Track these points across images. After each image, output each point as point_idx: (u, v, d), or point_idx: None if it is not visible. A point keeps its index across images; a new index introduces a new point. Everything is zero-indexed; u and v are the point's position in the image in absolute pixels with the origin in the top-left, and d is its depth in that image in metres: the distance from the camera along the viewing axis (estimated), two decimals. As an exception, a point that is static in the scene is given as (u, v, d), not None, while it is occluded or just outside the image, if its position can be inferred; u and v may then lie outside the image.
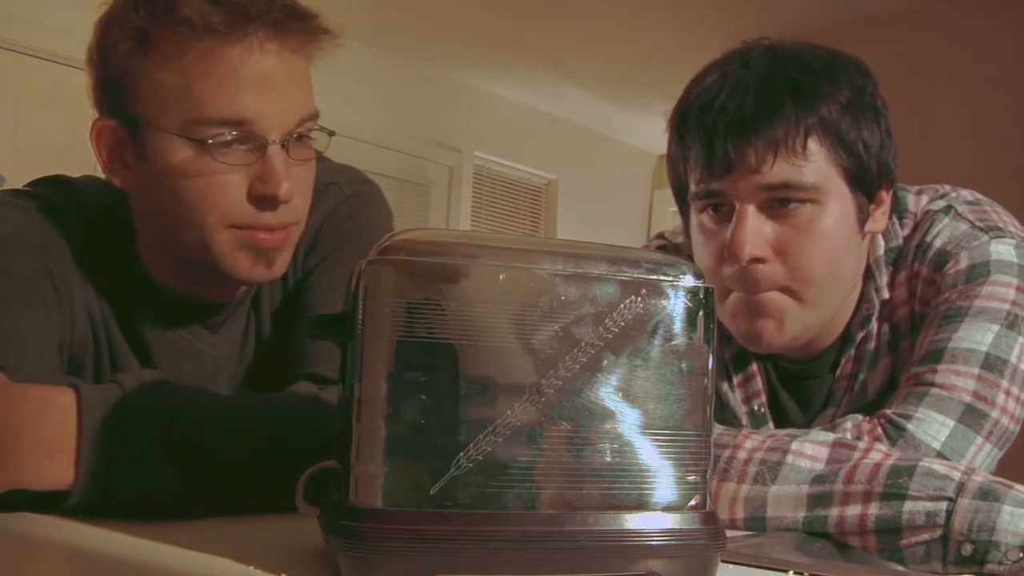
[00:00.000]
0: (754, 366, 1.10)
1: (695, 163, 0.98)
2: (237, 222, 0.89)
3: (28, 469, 0.71)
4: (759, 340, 1.00)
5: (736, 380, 1.10)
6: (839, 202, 0.96)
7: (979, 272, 0.97)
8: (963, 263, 0.98)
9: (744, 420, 1.09)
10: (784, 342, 1.00)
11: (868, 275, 1.04)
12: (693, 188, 0.99)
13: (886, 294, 1.04)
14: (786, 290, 0.97)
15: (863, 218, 0.99)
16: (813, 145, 0.94)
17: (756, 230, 0.95)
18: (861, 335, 1.04)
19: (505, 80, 4.56)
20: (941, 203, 1.04)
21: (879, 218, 1.01)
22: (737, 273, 0.97)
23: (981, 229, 1.00)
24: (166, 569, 0.58)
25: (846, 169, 0.96)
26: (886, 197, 1.01)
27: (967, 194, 1.06)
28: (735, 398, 1.10)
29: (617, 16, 3.78)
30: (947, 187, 1.08)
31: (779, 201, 0.95)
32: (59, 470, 0.71)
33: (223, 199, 0.88)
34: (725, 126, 0.94)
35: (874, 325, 1.04)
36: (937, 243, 1.01)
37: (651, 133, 5.16)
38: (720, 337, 1.09)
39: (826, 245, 0.96)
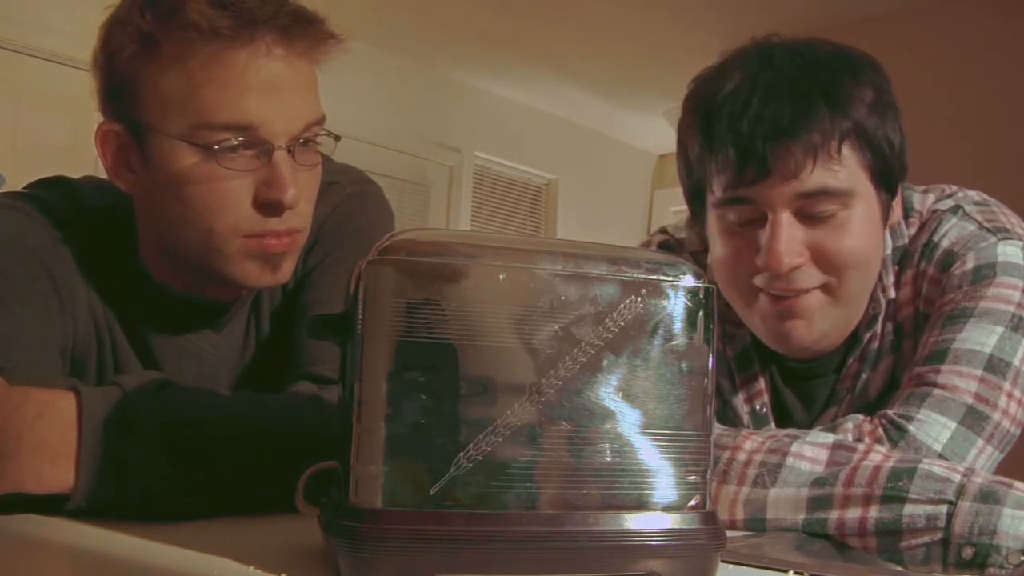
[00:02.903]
0: (757, 366, 1.10)
1: (725, 168, 0.96)
2: (245, 231, 0.89)
3: (29, 473, 0.71)
4: (788, 340, 1.00)
5: (739, 380, 1.10)
6: (866, 202, 0.96)
7: (985, 273, 0.97)
8: (970, 264, 0.98)
9: (746, 420, 1.09)
10: (813, 340, 1.00)
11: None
12: (720, 194, 0.97)
13: (892, 293, 1.03)
14: (824, 287, 0.97)
15: (887, 215, 1.00)
16: (847, 150, 0.94)
17: (791, 238, 0.94)
18: (868, 335, 1.04)
19: (505, 80, 4.56)
20: (948, 203, 1.04)
21: (895, 209, 1.02)
22: (777, 280, 0.96)
23: (989, 230, 1.00)
24: (166, 569, 0.58)
25: (873, 169, 0.96)
26: (899, 190, 1.02)
27: (974, 194, 1.06)
28: (738, 398, 1.09)
29: (618, 16, 3.78)
30: (954, 187, 1.07)
31: (811, 207, 0.94)
32: (60, 474, 0.71)
33: (229, 205, 0.88)
34: (763, 134, 0.92)
35: (879, 324, 1.04)
36: (944, 243, 1.01)
37: (651, 133, 5.16)
38: (723, 336, 1.09)
39: (858, 243, 0.96)
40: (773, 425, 1.07)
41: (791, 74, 0.94)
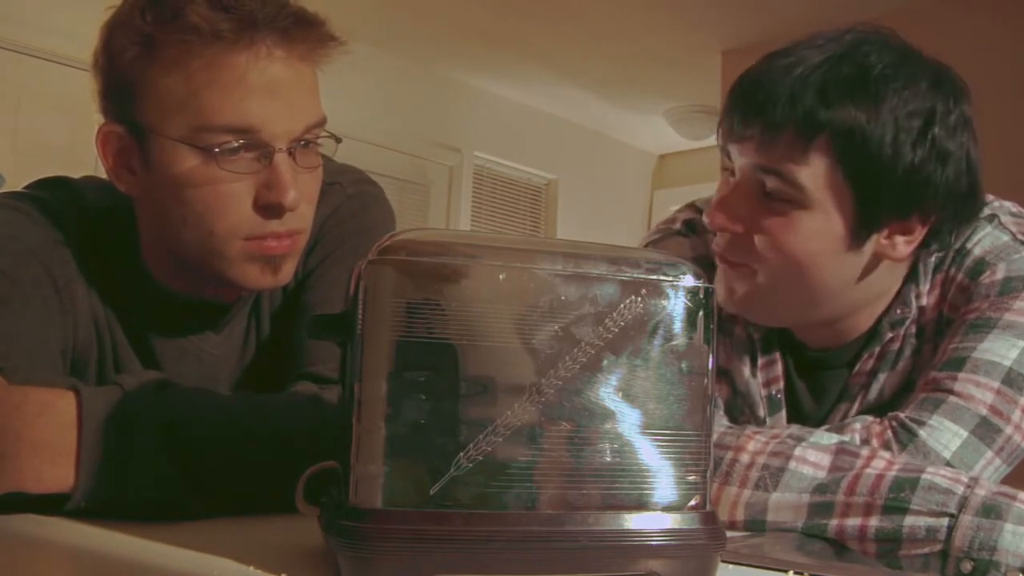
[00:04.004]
0: (777, 351, 1.09)
1: (723, 120, 0.98)
2: (246, 234, 0.89)
3: (28, 472, 0.71)
4: (721, 299, 1.01)
5: (760, 363, 1.08)
6: (824, 216, 0.92)
7: (1014, 286, 0.95)
8: (999, 274, 0.96)
9: (762, 405, 1.07)
10: (736, 309, 1.01)
11: (912, 277, 1.01)
12: (720, 141, 0.99)
13: (925, 300, 1.01)
14: (747, 267, 0.97)
15: (858, 243, 0.94)
16: (816, 152, 0.90)
17: (735, 203, 0.95)
18: (890, 335, 1.02)
19: (505, 80, 4.56)
20: (984, 211, 1.02)
21: (900, 246, 0.95)
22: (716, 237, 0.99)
23: (1023, 242, 0.98)
24: (166, 569, 0.58)
25: (851, 187, 0.91)
26: (919, 228, 0.94)
27: (1011, 205, 1.04)
28: (756, 382, 1.08)
29: (617, 16, 3.78)
30: (990, 196, 1.04)
31: (767, 185, 0.93)
32: (60, 473, 0.71)
33: (229, 208, 0.88)
34: (747, 97, 0.93)
35: (904, 327, 1.02)
36: (976, 251, 0.99)
37: (651, 133, 5.17)
38: (748, 320, 1.09)
39: (794, 249, 0.93)
40: (785, 413, 1.07)
41: (820, 59, 0.92)
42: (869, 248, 0.95)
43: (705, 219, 0.99)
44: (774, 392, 1.07)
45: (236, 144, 0.86)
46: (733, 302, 1.00)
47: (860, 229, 0.93)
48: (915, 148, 0.90)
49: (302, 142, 0.90)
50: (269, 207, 0.89)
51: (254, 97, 0.86)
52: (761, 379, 1.08)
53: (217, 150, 0.86)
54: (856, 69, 0.91)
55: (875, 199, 0.92)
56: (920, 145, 0.90)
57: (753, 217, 0.95)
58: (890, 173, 0.90)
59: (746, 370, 1.07)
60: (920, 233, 0.95)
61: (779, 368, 1.08)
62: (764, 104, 0.91)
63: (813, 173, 0.91)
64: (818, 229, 0.93)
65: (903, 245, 0.96)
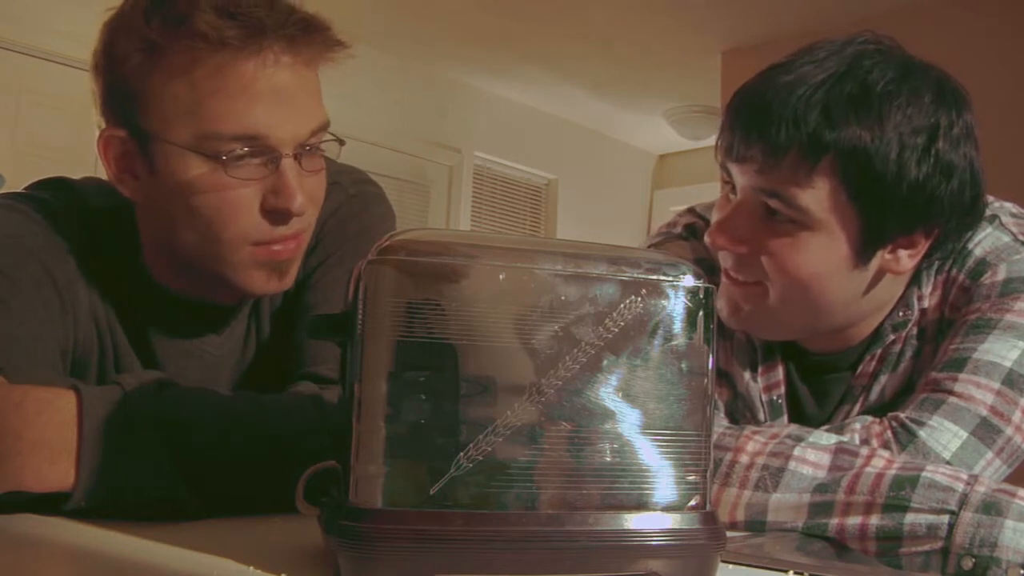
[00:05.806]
0: (779, 356, 1.08)
1: (722, 137, 0.96)
2: (254, 239, 0.89)
3: (29, 471, 0.71)
4: (724, 316, 1.01)
5: (761, 368, 1.08)
6: (829, 237, 0.91)
7: (1015, 287, 0.95)
8: (1000, 275, 0.96)
9: (762, 410, 1.08)
10: (741, 327, 1.01)
11: (914, 280, 1.01)
12: (719, 157, 0.98)
13: (927, 303, 1.01)
14: (759, 286, 0.96)
15: (863, 261, 0.93)
16: (821, 174, 0.89)
17: (737, 225, 0.94)
18: (892, 337, 1.02)
19: (505, 80, 4.56)
20: (985, 211, 1.01)
21: (904, 260, 0.95)
22: (722, 257, 0.99)
23: (1023, 243, 0.98)
24: (166, 569, 0.58)
25: (856, 207, 0.90)
26: (924, 241, 0.94)
27: (1011, 206, 1.04)
28: (756, 387, 1.08)
29: (617, 16, 3.79)
30: (990, 196, 1.04)
31: (769, 205, 0.92)
32: (60, 472, 0.71)
33: (238, 214, 0.88)
34: (748, 117, 0.91)
35: (907, 329, 1.02)
36: (977, 251, 0.99)
37: (651, 133, 5.17)
38: None
39: (800, 270, 0.93)
40: (786, 417, 1.07)
41: (822, 77, 0.90)
42: (874, 264, 0.94)
43: (707, 239, 0.97)
44: (775, 397, 1.07)
45: (243, 151, 0.86)
46: (739, 319, 1.00)
47: (865, 247, 0.92)
48: (920, 164, 0.89)
49: (308, 146, 0.90)
50: (276, 212, 0.88)
51: (261, 104, 0.85)
52: (762, 384, 1.08)
53: (224, 157, 0.85)
54: (858, 87, 0.89)
55: (880, 217, 0.91)
56: (925, 161, 0.89)
57: (757, 238, 0.94)
58: (895, 191, 0.89)
59: (746, 374, 1.07)
60: (924, 246, 0.95)
61: (780, 373, 1.08)
62: (766, 125, 0.89)
63: (817, 195, 0.90)
64: (823, 250, 0.92)
65: (907, 259, 0.95)
